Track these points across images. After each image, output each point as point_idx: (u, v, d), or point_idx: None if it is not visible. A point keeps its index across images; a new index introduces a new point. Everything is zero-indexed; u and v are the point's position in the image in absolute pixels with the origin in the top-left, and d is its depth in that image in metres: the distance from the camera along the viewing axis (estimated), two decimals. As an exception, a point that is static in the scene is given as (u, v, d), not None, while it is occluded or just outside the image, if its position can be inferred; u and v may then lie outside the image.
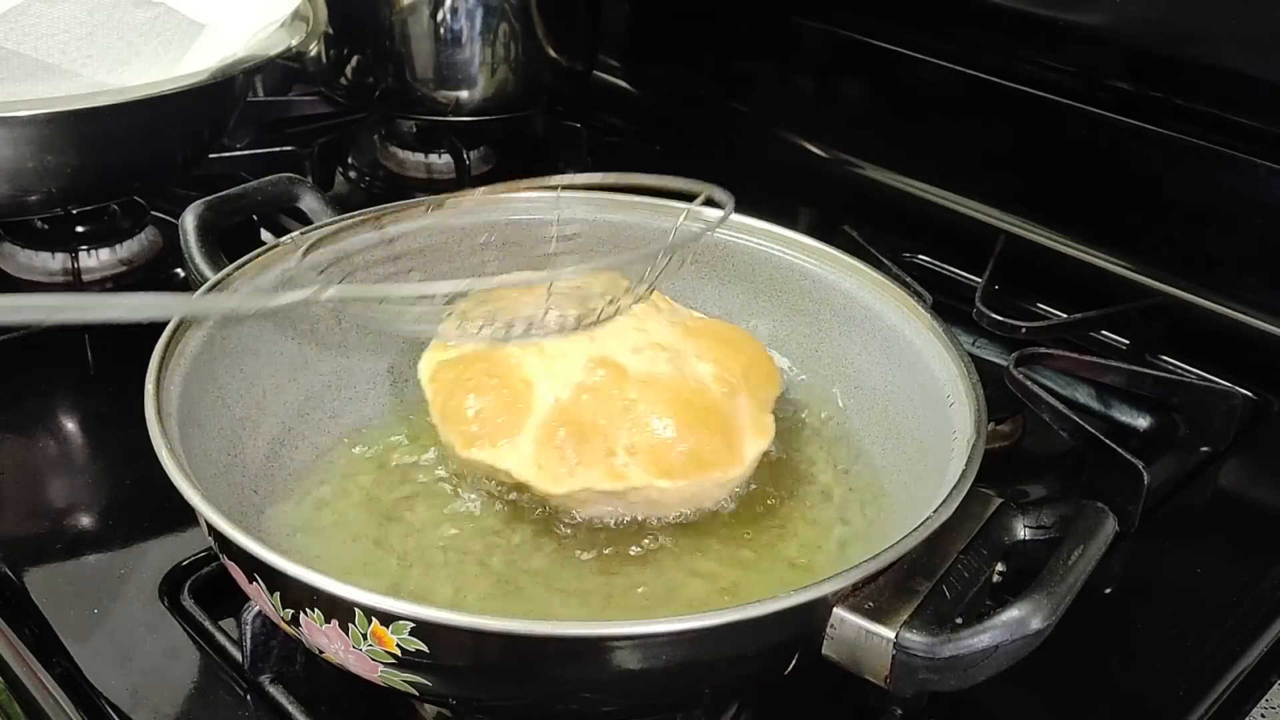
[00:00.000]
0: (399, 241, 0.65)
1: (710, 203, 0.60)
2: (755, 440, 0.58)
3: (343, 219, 0.65)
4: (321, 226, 0.64)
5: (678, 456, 0.55)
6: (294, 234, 0.64)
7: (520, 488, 0.56)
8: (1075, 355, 0.72)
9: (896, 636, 0.44)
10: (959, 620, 0.45)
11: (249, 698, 0.53)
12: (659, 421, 0.55)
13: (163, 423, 0.50)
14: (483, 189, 0.66)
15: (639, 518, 0.57)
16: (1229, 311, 0.80)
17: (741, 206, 0.67)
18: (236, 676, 0.54)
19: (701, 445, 0.55)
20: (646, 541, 0.56)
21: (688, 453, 0.55)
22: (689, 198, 0.63)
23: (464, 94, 1.00)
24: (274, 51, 0.82)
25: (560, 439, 0.55)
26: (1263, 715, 0.55)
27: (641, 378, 0.56)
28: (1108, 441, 0.64)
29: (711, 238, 0.67)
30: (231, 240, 0.66)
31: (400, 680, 0.45)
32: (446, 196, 0.67)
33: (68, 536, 0.63)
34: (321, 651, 0.46)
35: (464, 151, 1.01)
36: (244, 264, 0.61)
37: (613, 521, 0.57)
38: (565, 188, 0.65)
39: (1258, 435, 0.73)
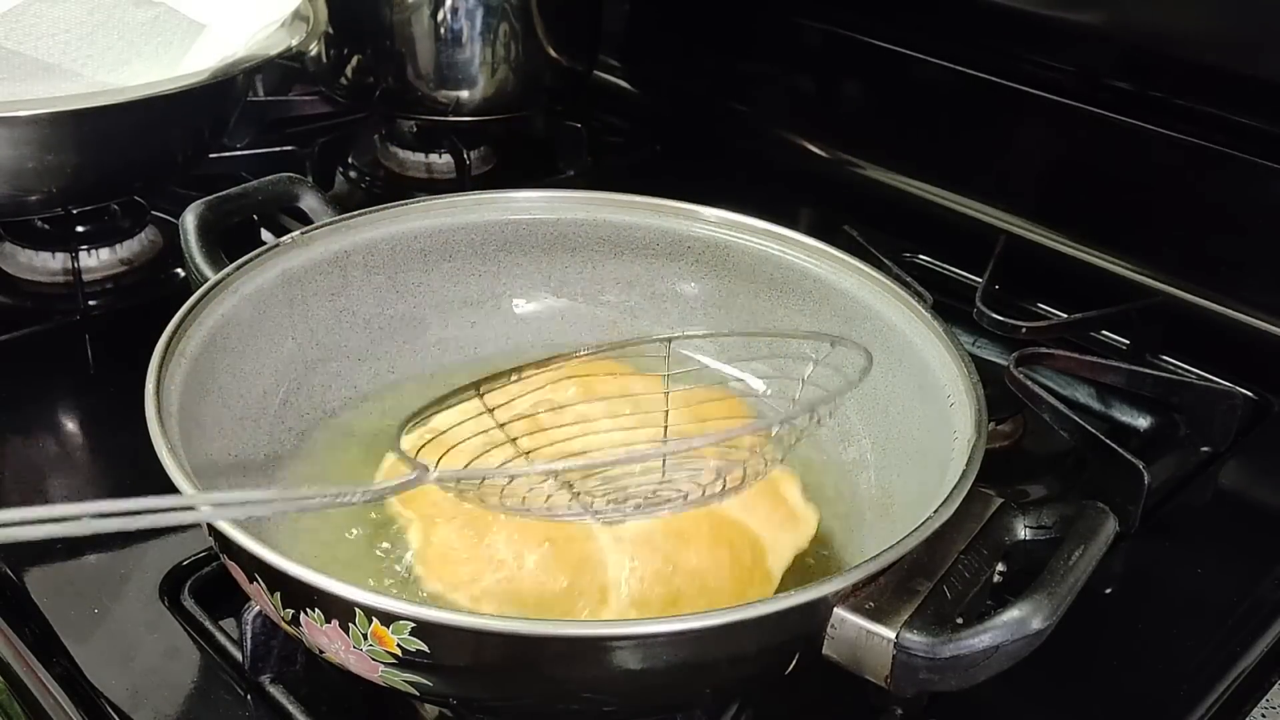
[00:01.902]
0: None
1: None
2: None
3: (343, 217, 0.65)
4: (322, 225, 0.65)
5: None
6: (294, 234, 0.64)
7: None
8: (1075, 355, 0.72)
9: (897, 636, 0.44)
10: (959, 620, 0.45)
11: (249, 698, 0.53)
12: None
13: (163, 423, 0.50)
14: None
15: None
16: (1229, 311, 0.80)
17: (742, 206, 0.67)
18: (236, 676, 0.54)
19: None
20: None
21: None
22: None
23: (464, 94, 0.99)
24: (274, 51, 0.82)
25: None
26: (1263, 715, 0.55)
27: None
28: (1108, 441, 0.64)
29: (712, 237, 0.67)
30: (231, 240, 0.66)
31: (401, 680, 0.45)
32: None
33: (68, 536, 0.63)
34: (322, 651, 0.46)
35: (464, 151, 1.01)
36: (244, 264, 0.61)
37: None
38: (675, 339, 0.61)
39: (1258, 435, 0.73)
